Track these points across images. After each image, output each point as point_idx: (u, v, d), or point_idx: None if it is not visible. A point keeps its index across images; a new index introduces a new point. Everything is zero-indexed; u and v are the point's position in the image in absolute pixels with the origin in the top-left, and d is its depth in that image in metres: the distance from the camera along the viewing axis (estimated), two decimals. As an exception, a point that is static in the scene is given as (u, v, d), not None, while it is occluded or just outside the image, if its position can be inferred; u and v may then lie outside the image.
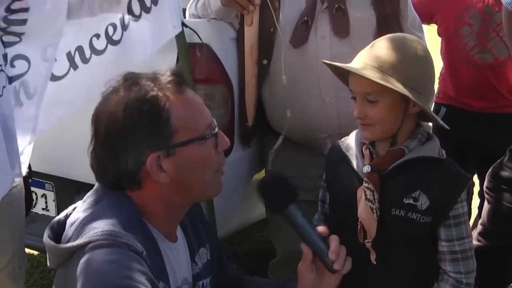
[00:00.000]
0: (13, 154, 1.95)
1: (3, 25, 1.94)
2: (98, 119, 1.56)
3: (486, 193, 2.58)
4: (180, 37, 2.35)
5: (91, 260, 1.41)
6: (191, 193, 1.62)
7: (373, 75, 1.71)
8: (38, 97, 2.03)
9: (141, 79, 1.55)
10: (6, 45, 1.96)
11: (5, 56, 1.95)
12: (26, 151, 2.01)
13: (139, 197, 1.57)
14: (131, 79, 1.55)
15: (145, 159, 1.52)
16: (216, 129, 1.62)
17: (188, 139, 1.54)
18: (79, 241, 1.44)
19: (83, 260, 1.41)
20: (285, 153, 2.53)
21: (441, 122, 1.86)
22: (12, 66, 1.97)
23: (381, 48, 1.79)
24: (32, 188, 2.78)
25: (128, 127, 1.52)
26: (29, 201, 2.41)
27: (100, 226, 1.45)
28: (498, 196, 2.53)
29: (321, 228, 1.71)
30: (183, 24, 2.34)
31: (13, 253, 2.27)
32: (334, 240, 1.66)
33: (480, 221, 2.66)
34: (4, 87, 1.91)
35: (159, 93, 1.52)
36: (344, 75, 1.85)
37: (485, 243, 2.56)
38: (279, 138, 2.51)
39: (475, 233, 2.60)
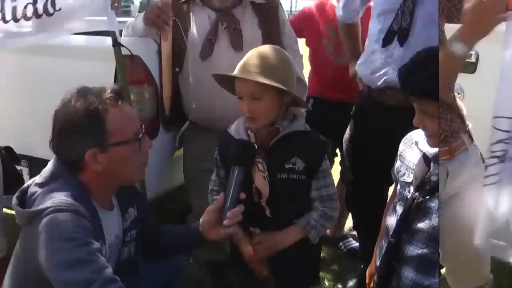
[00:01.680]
0: None
1: None
2: (56, 118, 1.77)
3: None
4: (117, 52, 2.57)
5: (52, 219, 1.59)
6: (119, 179, 1.83)
7: (260, 78, 1.85)
8: None
9: (88, 93, 1.73)
10: None
11: None
12: None
13: (83, 178, 1.78)
14: (81, 93, 1.75)
15: (85, 152, 1.72)
16: (141, 134, 1.79)
17: (119, 141, 1.74)
18: (42, 206, 1.63)
19: (45, 219, 1.59)
20: (194, 135, 2.80)
21: (307, 105, 2.15)
22: None
23: (258, 57, 1.91)
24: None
25: (76, 128, 1.72)
26: (18, 179, 2.53)
27: (57, 197, 1.65)
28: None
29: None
30: (120, 44, 2.56)
31: None
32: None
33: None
34: None
35: (100, 106, 1.70)
36: (227, 82, 1.99)
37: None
38: (187, 122, 2.79)
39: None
